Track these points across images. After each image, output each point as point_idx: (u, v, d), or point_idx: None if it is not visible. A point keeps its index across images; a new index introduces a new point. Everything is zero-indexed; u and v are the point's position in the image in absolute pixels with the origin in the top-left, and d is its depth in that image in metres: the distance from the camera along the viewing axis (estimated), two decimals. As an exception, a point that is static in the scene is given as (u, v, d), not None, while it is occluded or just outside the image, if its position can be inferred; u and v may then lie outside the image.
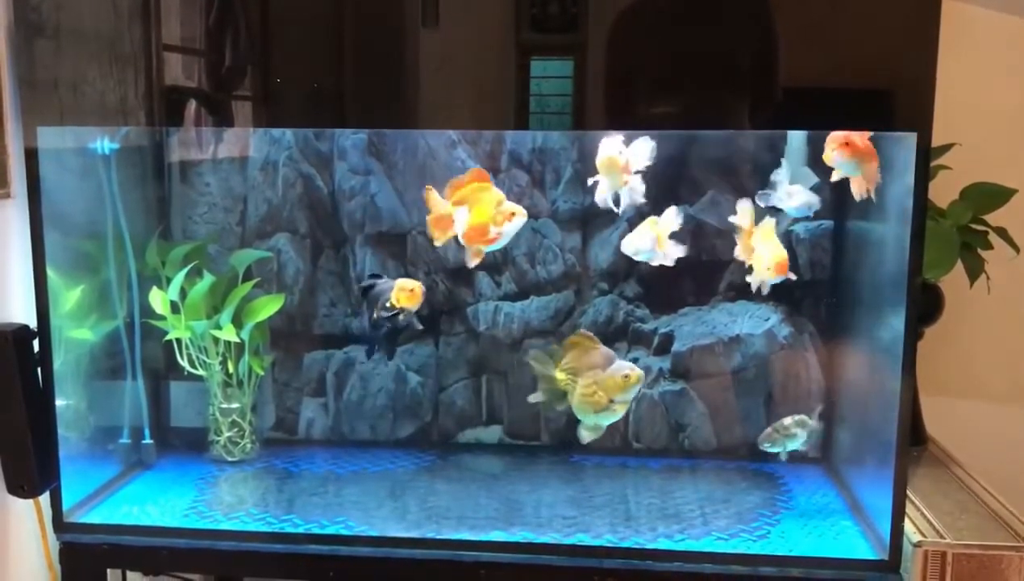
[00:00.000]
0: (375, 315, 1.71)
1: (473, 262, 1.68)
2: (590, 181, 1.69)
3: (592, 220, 1.94)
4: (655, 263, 1.69)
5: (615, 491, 1.81)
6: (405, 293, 1.71)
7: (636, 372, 1.65)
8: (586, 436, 1.69)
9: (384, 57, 1.53)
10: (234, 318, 1.84)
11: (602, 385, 1.63)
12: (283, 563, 1.64)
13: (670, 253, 1.69)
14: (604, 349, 1.66)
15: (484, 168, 1.91)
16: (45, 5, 1.55)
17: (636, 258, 1.70)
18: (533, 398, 1.73)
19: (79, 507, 1.71)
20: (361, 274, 1.97)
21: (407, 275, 1.97)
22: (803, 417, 1.74)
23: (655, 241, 1.68)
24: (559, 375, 1.68)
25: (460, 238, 1.66)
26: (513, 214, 1.65)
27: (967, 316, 1.97)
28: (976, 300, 1.86)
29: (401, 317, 1.70)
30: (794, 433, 1.73)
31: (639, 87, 1.52)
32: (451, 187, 1.68)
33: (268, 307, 1.87)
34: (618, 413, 1.67)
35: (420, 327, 1.79)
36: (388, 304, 1.70)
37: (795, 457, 1.94)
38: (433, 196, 1.69)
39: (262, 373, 1.93)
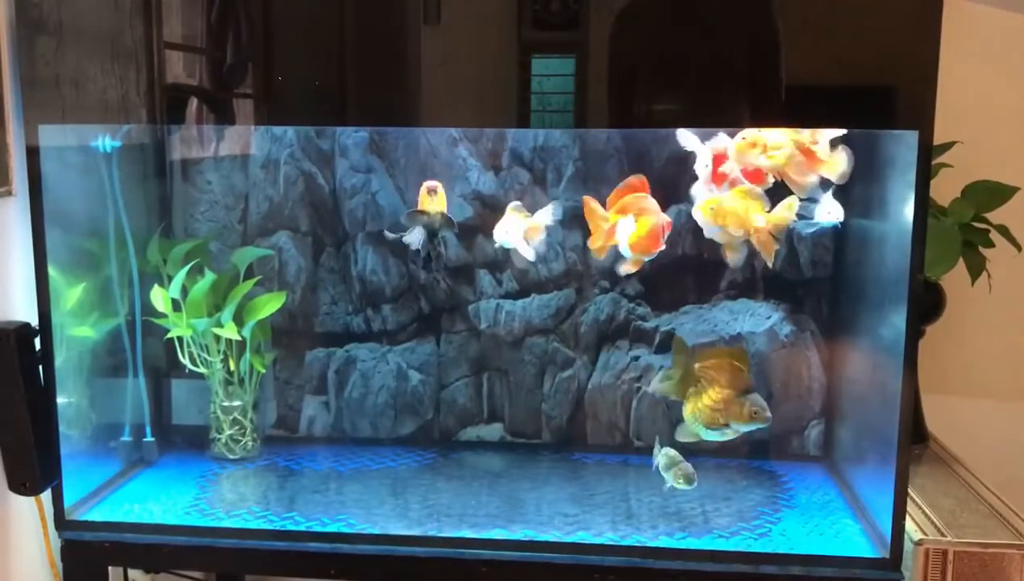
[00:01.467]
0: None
1: (628, 271, 1.66)
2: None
3: (593, 218, 1.94)
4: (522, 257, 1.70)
5: (616, 489, 1.81)
6: (424, 197, 1.71)
7: (766, 414, 1.59)
8: (684, 437, 1.67)
9: (386, 54, 1.53)
10: (235, 316, 1.84)
11: (728, 407, 1.59)
12: (284, 561, 1.64)
13: (526, 250, 1.69)
14: (747, 376, 1.61)
15: (487, 166, 1.93)
16: (47, 2, 1.55)
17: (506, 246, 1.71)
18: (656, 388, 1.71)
19: (80, 505, 1.71)
20: (363, 272, 1.98)
21: (409, 275, 1.97)
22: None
23: (523, 230, 1.68)
24: (696, 368, 1.64)
25: (625, 248, 1.62)
26: (669, 224, 1.64)
27: (968, 314, 1.97)
28: (977, 298, 1.86)
29: (426, 223, 1.71)
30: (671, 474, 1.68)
31: (640, 85, 1.51)
32: (614, 196, 1.64)
33: (269, 305, 1.87)
34: (726, 436, 1.63)
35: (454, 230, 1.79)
36: (415, 210, 1.70)
37: (797, 455, 1.95)
38: (595, 206, 1.65)
39: (263, 371, 1.93)
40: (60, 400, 1.65)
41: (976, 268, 1.80)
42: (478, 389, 2.01)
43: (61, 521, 1.67)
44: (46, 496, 1.69)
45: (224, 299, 1.85)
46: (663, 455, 1.69)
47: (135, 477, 1.85)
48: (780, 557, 1.56)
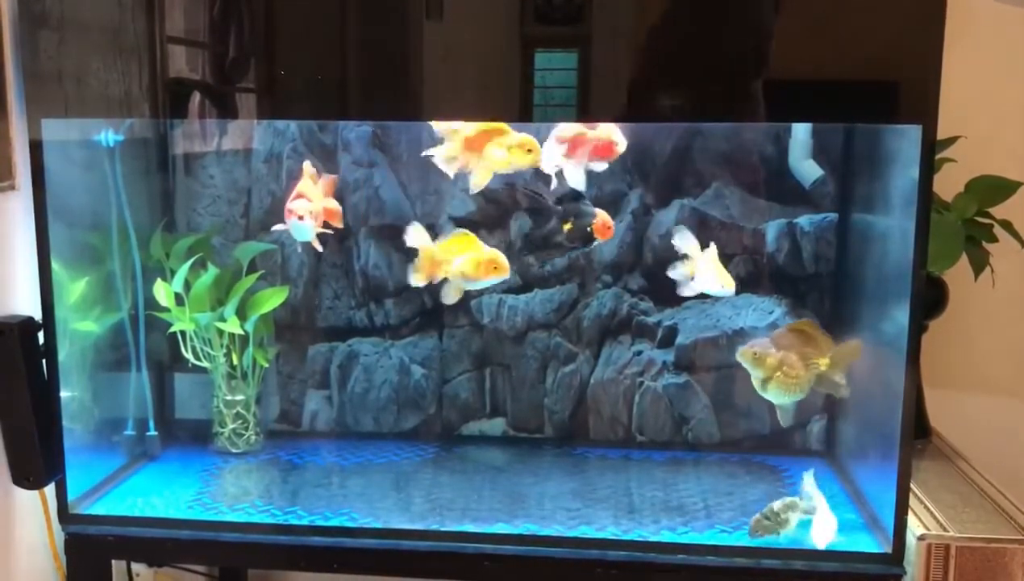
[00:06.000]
0: (564, 234, 1.74)
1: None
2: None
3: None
4: None
5: (618, 484, 1.81)
6: (602, 230, 1.73)
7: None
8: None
9: (388, 49, 1.52)
10: (238, 310, 1.84)
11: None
12: (287, 555, 1.65)
13: None
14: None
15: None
16: (49, -3, 1.55)
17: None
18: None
19: (84, 498, 1.72)
20: (365, 267, 1.98)
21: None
22: (793, 500, 1.61)
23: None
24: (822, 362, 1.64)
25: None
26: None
27: (971, 309, 1.96)
28: (980, 293, 1.86)
29: (591, 245, 1.75)
30: (786, 519, 1.59)
31: (643, 79, 1.51)
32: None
33: (272, 299, 1.87)
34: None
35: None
36: (588, 229, 1.72)
37: (799, 450, 1.95)
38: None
39: (266, 365, 1.94)
40: (63, 394, 1.66)
41: (979, 263, 1.80)
42: (480, 384, 2.01)
43: (65, 515, 1.67)
44: (49, 490, 1.69)
45: (227, 294, 1.86)
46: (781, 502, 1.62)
47: (138, 471, 1.86)
48: (782, 552, 1.56)
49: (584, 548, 1.59)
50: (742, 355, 1.63)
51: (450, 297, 1.76)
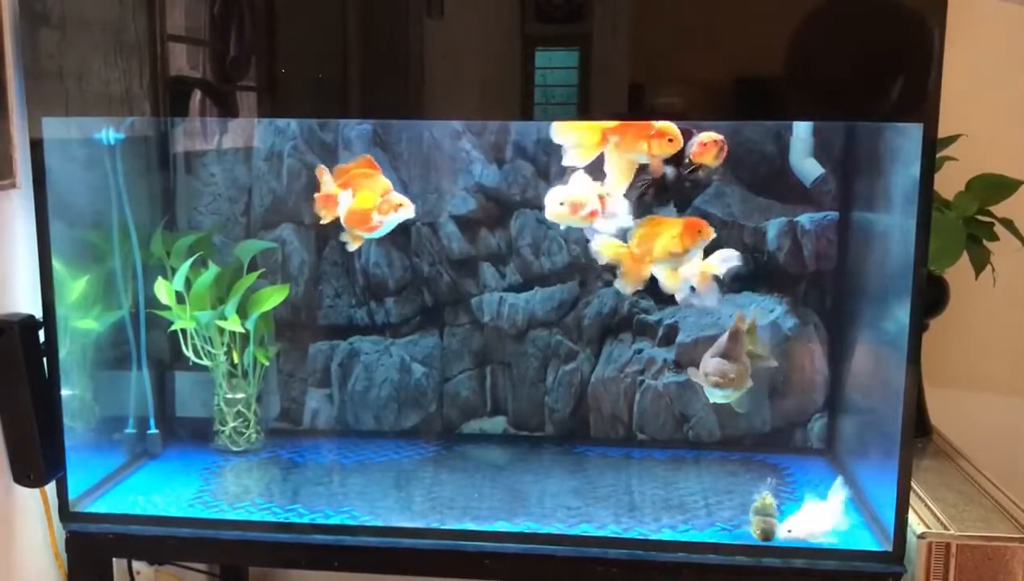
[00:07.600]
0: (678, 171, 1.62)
1: (352, 246, 1.72)
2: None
3: (597, 211, 1.94)
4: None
5: (619, 482, 1.81)
6: (704, 152, 1.60)
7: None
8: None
9: (389, 47, 1.52)
10: (239, 308, 1.84)
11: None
12: (287, 553, 1.65)
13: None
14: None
15: (491, 159, 1.92)
16: (50, -5, 1.55)
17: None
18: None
19: (85, 496, 1.72)
20: (366, 265, 1.98)
21: (412, 268, 1.97)
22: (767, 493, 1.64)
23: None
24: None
25: (341, 220, 1.70)
26: (399, 206, 1.67)
27: (972, 308, 1.96)
28: (981, 292, 1.86)
29: (700, 173, 1.62)
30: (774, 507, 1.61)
31: (642, 77, 1.51)
32: (339, 170, 1.72)
33: (273, 297, 1.87)
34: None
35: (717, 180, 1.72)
36: (687, 160, 1.60)
37: (800, 448, 1.95)
38: (324, 176, 1.74)
39: (267, 363, 1.94)
40: (64, 392, 1.66)
41: (980, 262, 1.80)
42: (481, 382, 2.01)
43: (65, 513, 1.67)
44: (51, 488, 1.69)
45: (228, 292, 1.86)
46: (761, 497, 1.61)
47: (139, 469, 1.86)
48: (783, 550, 1.56)
49: (585, 546, 1.59)
50: (707, 380, 1.63)
51: (670, 287, 1.63)
